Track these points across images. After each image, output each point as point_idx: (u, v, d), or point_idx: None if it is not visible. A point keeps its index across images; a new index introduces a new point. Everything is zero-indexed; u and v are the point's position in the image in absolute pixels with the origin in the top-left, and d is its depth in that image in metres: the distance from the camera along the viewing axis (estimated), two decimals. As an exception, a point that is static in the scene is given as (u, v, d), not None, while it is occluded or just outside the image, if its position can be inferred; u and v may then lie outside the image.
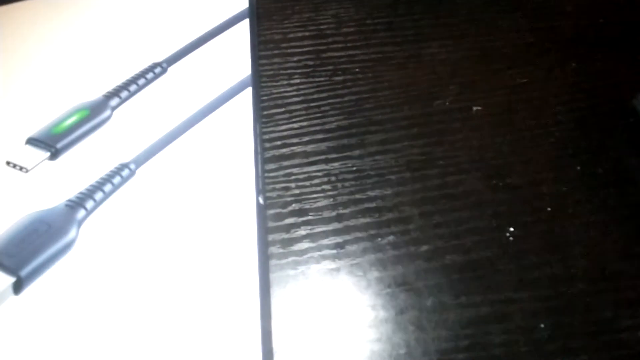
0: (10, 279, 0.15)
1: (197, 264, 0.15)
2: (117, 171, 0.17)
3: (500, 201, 0.18)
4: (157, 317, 0.14)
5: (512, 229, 0.17)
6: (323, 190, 0.18)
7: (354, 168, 0.19)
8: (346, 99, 0.21)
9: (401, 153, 0.19)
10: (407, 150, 0.19)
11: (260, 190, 0.17)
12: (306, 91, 0.21)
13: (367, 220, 0.18)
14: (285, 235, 0.18)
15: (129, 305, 0.15)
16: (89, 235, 0.16)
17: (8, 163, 0.17)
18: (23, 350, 0.14)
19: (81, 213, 0.16)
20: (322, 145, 0.19)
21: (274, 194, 0.18)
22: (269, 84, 0.21)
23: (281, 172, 0.19)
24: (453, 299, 0.16)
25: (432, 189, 0.18)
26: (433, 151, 0.19)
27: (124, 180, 0.17)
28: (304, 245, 0.17)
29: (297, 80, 0.21)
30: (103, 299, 0.15)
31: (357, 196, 0.18)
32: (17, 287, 0.15)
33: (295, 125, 0.20)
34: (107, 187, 0.16)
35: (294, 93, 0.21)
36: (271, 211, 0.18)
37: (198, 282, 0.15)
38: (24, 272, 0.15)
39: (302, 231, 0.18)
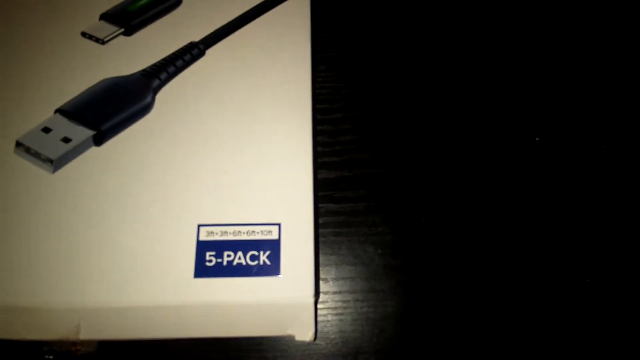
0: (91, 132, 0.17)
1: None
2: (188, 49, 0.19)
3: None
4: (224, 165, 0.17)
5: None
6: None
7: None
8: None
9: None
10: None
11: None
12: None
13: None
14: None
15: (194, 162, 0.17)
16: (162, 103, 0.18)
17: (84, 34, 0.19)
18: (99, 192, 0.16)
19: (156, 82, 0.18)
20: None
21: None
22: None
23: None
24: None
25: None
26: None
27: (194, 58, 0.19)
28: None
29: None
30: (174, 155, 0.17)
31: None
32: (98, 140, 0.17)
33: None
34: (179, 63, 0.18)
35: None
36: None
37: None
38: (104, 127, 0.17)
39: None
